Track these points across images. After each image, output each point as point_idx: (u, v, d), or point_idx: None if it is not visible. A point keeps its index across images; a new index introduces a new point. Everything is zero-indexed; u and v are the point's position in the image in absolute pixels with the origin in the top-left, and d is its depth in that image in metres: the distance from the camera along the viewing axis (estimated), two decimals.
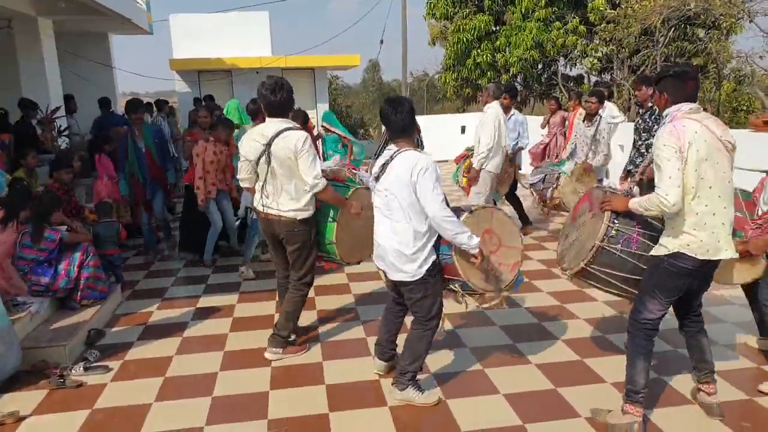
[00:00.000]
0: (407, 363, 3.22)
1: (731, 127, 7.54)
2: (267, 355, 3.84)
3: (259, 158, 3.58)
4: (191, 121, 8.71)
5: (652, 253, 2.89)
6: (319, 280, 5.28)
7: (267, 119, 3.64)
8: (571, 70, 16.56)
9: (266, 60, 15.16)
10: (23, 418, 3.21)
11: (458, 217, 3.15)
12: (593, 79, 15.57)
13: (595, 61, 13.90)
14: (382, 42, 24.76)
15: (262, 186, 3.67)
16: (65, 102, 9.10)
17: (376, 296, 4.95)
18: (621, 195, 3.08)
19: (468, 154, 6.73)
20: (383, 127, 6.99)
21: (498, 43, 15.04)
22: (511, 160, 6.69)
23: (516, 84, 16.49)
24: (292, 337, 3.97)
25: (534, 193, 6.76)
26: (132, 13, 9.59)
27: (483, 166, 5.98)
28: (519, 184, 7.07)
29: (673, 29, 12.50)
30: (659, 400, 3.21)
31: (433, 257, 3.12)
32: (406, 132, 3.12)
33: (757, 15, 11.65)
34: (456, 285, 3.25)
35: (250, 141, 3.63)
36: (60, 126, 8.34)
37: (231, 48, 15.18)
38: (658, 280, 2.85)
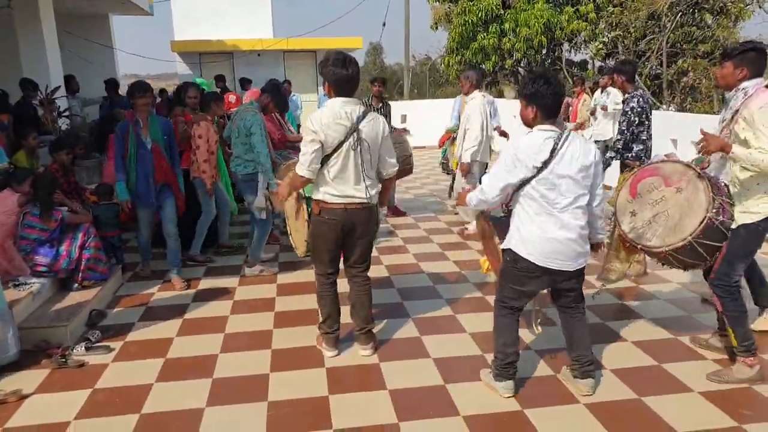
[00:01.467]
0: (590, 352, 3.16)
1: None
2: (364, 353, 3.62)
3: (341, 143, 3.20)
4: (178, 103, 8.28)
5: (746, 221, 3.08)
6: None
7: (339, 99, 3.24)
8: (575, 55, 16.40)
9: (268, 42, 15.05)
10: (26, 396, 3.24)
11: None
12: (597, 64, 15.42)
13: (601, 46, 13.75)
14: (384, 24, 24.50)
15: (337, 173, 3.26)
16: (66, 83, 9.04)
17: (421, 290, 4.75)
18: (720, 138, 3.09)
19: (452, 136, 6.66)
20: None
21: (505, 26, 14.86)
22: None
23: (519, 69, 16.37)
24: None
25: None
26: None
27: (474, 158, 5.96)
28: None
29: (680, 14, 12.34)
30: (658, 386, 3.22)
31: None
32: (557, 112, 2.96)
33: (766, 1, 11.50)
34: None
35: (333, 124, 3.17)
36: (60, 107, 8.29)
37: (232, 30, 15.06)
38: (753, 244, 3.14)
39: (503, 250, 3.10)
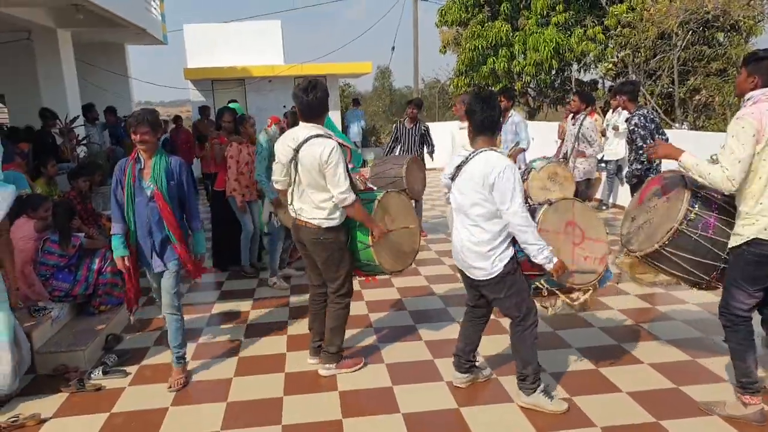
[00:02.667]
0: (521, 368, 3.19)
1: None
2: (322, 372, 3.68)
3: (290, 162, 3.46)
4: (196, 131, 8.46)
5: (731, 244, 2.92)
6: (368, 294, 5.23)
7: (301, 123, 3.49)
8: (584, 75, 16.46)
9: (279, 68, 15.30)
10: (44, 420, 3.27)
11: (538, 209, 3.20)
12: (608, 84, 15.45)
13: (610, 65, 13.80)
14: (393, 48, 24.83)
15: (293, 190, 3.59)
16: (86, 111, 9.27)
17: (433, 313, 4.75)
18: (671, 145, 3.13)
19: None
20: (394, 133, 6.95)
21: (514, 49, 14.98)
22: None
23: (529, 90, 16.46)
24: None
25: None
26: (147, 24, 9.76)
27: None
28: None
29: (691, 33, 12.35)
30: (674, 410, 3.18)
31: (510, 252, 3.04)
32: (488, 130, 3.04)
33: None
34: (541, 281, 3.19)
35: (284, 144, 3.52)
36: (79, 135, 8.50)
37: (244, 57, 15.35)
38: (742, 270, 2.88)
39: None
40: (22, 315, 4.01)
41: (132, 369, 3.89)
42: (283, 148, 3.51)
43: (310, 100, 3.38)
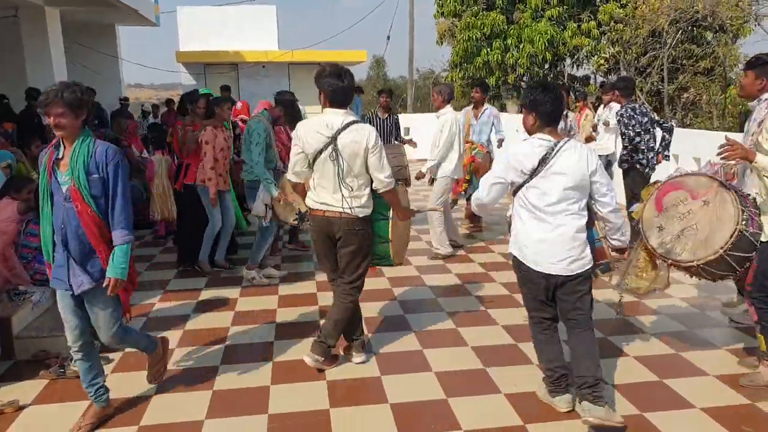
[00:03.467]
0: (597, 371, 2.94)
1: (736, 131, 7.55)
2: (306, 360, 3.52)
3: (320, 152, 3.28)
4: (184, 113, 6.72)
5: (762, 238, 3.10)
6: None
7: (328, 109, 3.32)
8: (577, 70, 16.48)
9: (273, 54, 15.15)
10: (23, 407, 3.21)
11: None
12: (599, 79, 15.49)
13: (602, 61, 13.83)
14: (389, 38, 24.67)
15: (319, 181, 3.38)
16: None
17: (423, 303, 4.74)
18: (745, 147, 3.10)
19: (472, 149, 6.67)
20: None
21: (508, 41, 14.96)
22: (488, 153, 6.68)
23: (522, 83, 16.45)
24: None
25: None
26: (139, 5, 9.58)
27: (435, 176, 5.87)
28: None
29: (680, 31, 12.44)
30: (660, 402, 3.19)
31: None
32: (557, 121, 2.98)
33: (764, 18, 11.59)
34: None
35: (312, 132, 3.29)
36: None
37: (238, 41, 15.18)
38: None
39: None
40: (1, 299, 3.94)
41: (115, 356, 3.82)
42: (313, 136, 3.29)
43: (345, 85, 3.26)
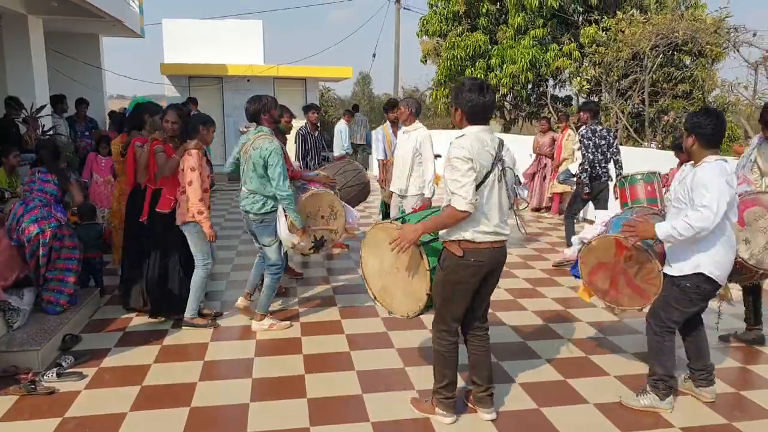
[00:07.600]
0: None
1: None
2: (490, 417, 3.19)
3: (488, 174, 2.88)
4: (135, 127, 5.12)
5: None
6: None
7: (472, 126, 2.94)
8: (559, 91, 16.76)
9: (258, 68, 15.15)
10: None
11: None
12: (581, 100, 15.77)
13: (584, 82, 14.10)
14: (374, 56, 24.89)
15: (485, 208, 2.90)
16: (56, 102, 8.94)
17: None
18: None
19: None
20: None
21: (492, 62, 15.19)
22: None
23: (505, 103, 16.66)
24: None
25: None
26: (124, 16, 9.52)
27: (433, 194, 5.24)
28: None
29: (661, 55, 12.75)
30: (638, 421, 3.19)
31: None
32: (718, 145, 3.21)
33: (742, 45, 11.94)
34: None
35: (484, 152, 2.87)
36: (44, 126, 8.20)
37: (223, 55, 15.15)
38: None
39: (679, 276, 3.21)
40: None
41: (90, 371, 3.71)
42: (485, 155, 2.88)
43: (488, 101, 2.91)
